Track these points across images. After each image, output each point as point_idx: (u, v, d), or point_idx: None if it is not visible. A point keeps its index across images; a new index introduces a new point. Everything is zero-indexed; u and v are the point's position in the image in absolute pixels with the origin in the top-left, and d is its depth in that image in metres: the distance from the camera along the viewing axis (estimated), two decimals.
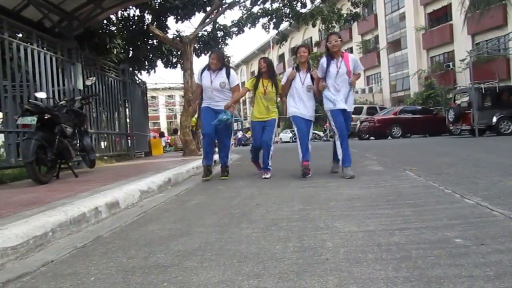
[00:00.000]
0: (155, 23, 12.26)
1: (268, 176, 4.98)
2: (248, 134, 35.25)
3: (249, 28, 13.96)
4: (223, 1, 11.68)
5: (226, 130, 5.20)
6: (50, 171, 5.07)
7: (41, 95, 5.65)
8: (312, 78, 4.88)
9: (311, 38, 40.52)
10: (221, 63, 5.13)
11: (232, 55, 14.45)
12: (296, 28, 31.57)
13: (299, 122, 4.87)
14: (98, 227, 2.82)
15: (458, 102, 14.83)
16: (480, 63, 21.03)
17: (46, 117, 4.81)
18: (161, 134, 22.88)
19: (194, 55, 11.86)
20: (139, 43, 12.96)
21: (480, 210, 2.52)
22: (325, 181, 4.35)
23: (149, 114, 15.21)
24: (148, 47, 13.14)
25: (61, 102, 5.78)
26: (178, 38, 12.11)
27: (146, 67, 13.63)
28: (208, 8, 11.85)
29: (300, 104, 4.88)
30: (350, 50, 39.83)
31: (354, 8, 14.17)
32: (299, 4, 13.31)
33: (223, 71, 5.13)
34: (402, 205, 2.83)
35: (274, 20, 13.65)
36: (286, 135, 30.93)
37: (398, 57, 33.97)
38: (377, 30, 35.85)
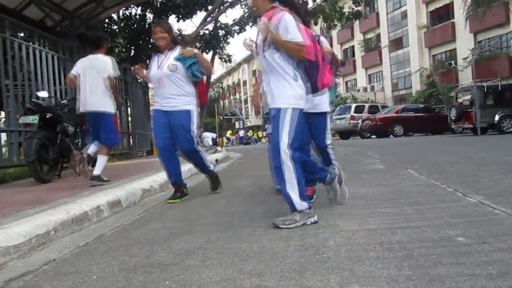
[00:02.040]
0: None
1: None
2: (250, 133, 35.28)
3: (251, 26, 13.95)
4: (225, 0, 11.67)
5: (182, 130, 3.57)
6: (52, 170, 5.08)
7: (43, 94, 5.66)
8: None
9: None
10: (169, 35, 3.61)
11: (233, 53, 14.43)
12: None
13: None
14: (100, 226, 2.82)
15: (460, 100, 14.78)
16: (482, 61, 20.94)
17: (48, 116, 4.82)
18: None
19: None
20: (140, 42, 12.97)
21: (482, 209, 2.51)
22: None
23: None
24: (150, 46, 13.12)
25: (63, 101, 5.79)
26: (179, 37, 12.10)
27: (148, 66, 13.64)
28: (210, 7, 11.85)
29: None
30: (352, 48, 39.87)
31: (356, 6, 14.14)
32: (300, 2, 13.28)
33: (177, 52, 3.60)
34: (404, 203, 2.82)
35: None
36: None
37: (400, 56, 33.89)
38: (379, 29, 35.76)
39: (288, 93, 2.46)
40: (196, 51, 3.66)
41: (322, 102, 3.24)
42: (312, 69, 2.54)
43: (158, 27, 3.67)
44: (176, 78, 3.53)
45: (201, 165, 3.83)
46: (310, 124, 3.23)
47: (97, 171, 4.30)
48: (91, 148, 4.34)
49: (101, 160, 4.36)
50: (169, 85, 3.54)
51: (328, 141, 3.32)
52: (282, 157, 2.41)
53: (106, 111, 4.34)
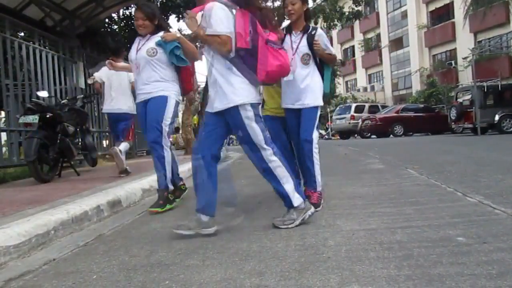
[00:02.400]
0: None
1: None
2: None
3: None
4: None
5: (150, 118, 3.24)
6: (52, 169, 5.08)
7: (43, 94, 5.66)
8: (311, 44, 2.88)
9: None
10: (152, 22, 3.28)
11: None
12: None
13: (287, 118, 3.04)
14: (100, 226, 2.82)
15: (460, 100, 14.78)
16: (482, 61, 20.95)
17: (48, 116, 4.82)
18: None
19: None
20: None
21: (482, 209, 2.51)
22: (327, 180, 4.34)
23: None
24: None
25: (63, 101, 5.79)
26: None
27: None
28: None
29: (289, 86, 2.91)
30: (352, 48, 39.87)
31: (356, 6, 14.13)
32: None
33: (159, 36, 3.27)
34: (404, 203, 2.82)
35: (276, 18, 13.63)
36: None
37: (400, 55, 33.90)
38: (379, 28, 35.77)
39: (240, 88, 2.30)
40: (178, 35, 3.35)
41: (314, 97, 2.91)
42: (252, 58, 2.29)
43: (139, 13, 3.29)
44: (154, 63, 3.24)
45: (159, 164, 3.24)
46: (299, 120, 2.94)
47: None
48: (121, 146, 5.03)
49: (124, 145, 5.07)
50: (146, 70, 3.25)
51: (314, 135, 2.88)
52: (266, 157, 2.34)
53: (129, 112, 5.02)
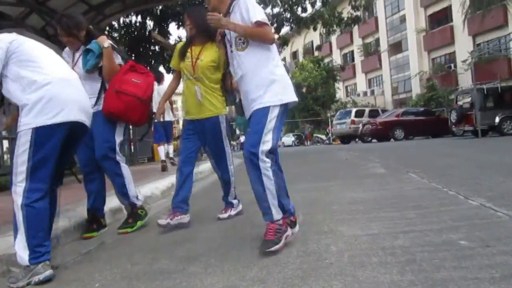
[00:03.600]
0: (157, 29, 12.34)
1: (225, 215, 3.12)
2: None
3: None
4: None
5: (98, 131, 2.86)
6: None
7: None
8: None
9: (312, 42, 40.60)
10: (74, 36, 2.87)
11: None
12: (297, 32, 31.52)
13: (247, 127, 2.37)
14: (102, 233, 2.82)
15: (460, 103, 14.79)
16: (482, 63, 20.99)
17: None
18: None
19: None
20: (141, 49, 13.03)
21: (485, 212, 2.51)
22: (328, 185, 4.34)
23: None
24: (150, 53, 13.19)
25: None
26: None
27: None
28: None
29: (243, 84, 2.24)
30: (351, 53, 39.99)
31: (355, 11, 14.20)
32: (299, 9, 13.36)
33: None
34: (406, 207, 2.82)
35: (275, 25, 13.69)
36: (288, 139, 30.56)
37: (400, 59, 33.99)
38: (378, 33, 35.90)
39: None
40: (106, 45, 2.86)
41: (259, 92, 2.14)
42: None
43: (59, 29, 2.88)
44: (94, 78, 2.88)
45: (116, 183, 2.91)
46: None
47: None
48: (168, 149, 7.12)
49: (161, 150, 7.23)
50: (89, 88, 2.69)
51: (263, 146, 2.09)
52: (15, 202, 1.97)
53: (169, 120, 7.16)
